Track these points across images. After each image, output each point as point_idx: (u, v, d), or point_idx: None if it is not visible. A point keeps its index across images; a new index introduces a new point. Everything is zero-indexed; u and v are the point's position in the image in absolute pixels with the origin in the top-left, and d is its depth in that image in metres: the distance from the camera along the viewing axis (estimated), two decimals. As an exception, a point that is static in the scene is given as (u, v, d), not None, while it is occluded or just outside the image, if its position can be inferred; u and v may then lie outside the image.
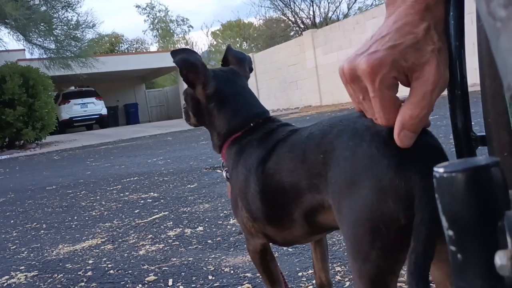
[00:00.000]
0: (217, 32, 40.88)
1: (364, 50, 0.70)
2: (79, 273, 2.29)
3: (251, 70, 1.43)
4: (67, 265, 2.44)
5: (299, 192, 0.98)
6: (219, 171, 5.12)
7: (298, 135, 1.03)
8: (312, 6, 25.69)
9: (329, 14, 26.08)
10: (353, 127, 0.86)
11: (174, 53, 1.34)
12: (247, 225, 1.19)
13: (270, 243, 1.25)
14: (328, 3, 26.61)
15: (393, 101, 0.70)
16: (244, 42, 35.94)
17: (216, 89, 1.29)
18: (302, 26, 25.58)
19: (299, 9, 26.11)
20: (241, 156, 1.18)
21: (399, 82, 0.71)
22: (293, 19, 26.85)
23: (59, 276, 2.28)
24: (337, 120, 0.93)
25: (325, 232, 1.17)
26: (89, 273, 2.26)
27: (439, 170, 0.49)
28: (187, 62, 1.30)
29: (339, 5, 27.83)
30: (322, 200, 0.92)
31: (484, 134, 0.85)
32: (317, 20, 25.63)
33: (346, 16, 24.88)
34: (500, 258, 0.44)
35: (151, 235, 2.82)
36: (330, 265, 1.52)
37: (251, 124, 1.23)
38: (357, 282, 0.83)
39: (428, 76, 0.67)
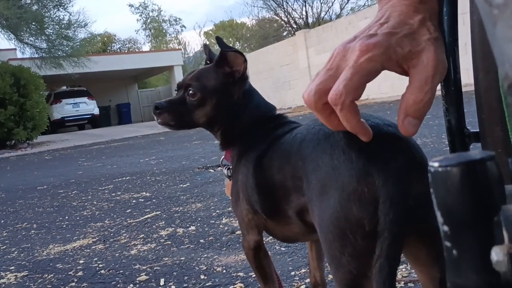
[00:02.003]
0: (210, 32, 40.85)
1: (362, 33, 0.68)
2: (69, 273, 2.27)
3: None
4: (57, 265, 2.42)
5: (287, 191, 0.99)
6: (211, 170, 5.11)
7: (289, 135, 1.04)
8: (305, 6, 25.75)
9: (322, 14, 26.15)
10: (316, 137, 0.88)
11: (223, 41, 1.30)
12: (246, 218, 1.18)
13: (267, 240, 1.24)
14: (321, 3, 26.69)
15: (361, 84, 0.65)
16: (237, 42, 35.93)
17: (249, 85, 1.29)
18: (295, 26, 25.61)
19: (292, 9, 26.17)
20: (246, 149, 1.19)
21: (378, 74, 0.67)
22: (286, 19, 26.88)
23: (49, 276, 2.25)
24: (311, 125, 0.94)
25: None
26: (80, 273, 2.24)
27: (434, 164, 0.47)
28: (243, 55, 1.26)
29: (332, 5, 27.94)
30: (305, 202, 0.92)
31: (478, 131, 0.85)
32: (310, 20, 25.69)
33: (338, 16, 24.95)
34: (496, 254, 0.43)
35: (143, 235, 2.80)
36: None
37: (263, 119, 1.24)
38: (336, 285, 0.84)
39: (427, 62, 0.65)
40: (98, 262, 2.37)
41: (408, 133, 0.67)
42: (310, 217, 0.94)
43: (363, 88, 0.66)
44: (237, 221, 1.28)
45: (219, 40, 1.30)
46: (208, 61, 1.39)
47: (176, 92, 1.33)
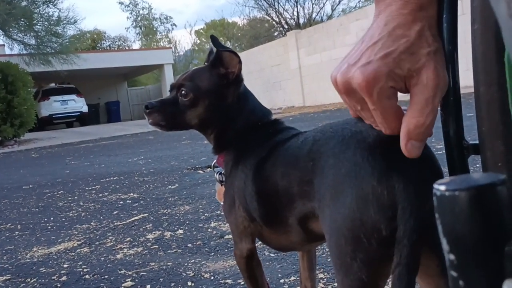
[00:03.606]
0: (201, 31, 40.71)
1: (356, 59, 0.66)
2: (53, 277, 2.21)
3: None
4: (41, 269, 2.36)
5: (291, 198, 0.96)
6: (200, 171, 5.06)
7: (295, 140, 1.01)
8: (296, 6, 25.76)
9: (313, 15, 26.17)
10: (340, 134, 0.84)
11: (218, 40, 1.27)
12: (241, 226, 1.15)
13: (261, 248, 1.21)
14: (312, 4, 26.70)
15: (395, 109, 0.67)
16: (228, 42, 35.84)
17: (244, 88, 1.26)
18: (286, 27, 25.61)
19: (283, 9, 26.15)
20: (243, 154, 1.15)
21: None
22: (277, 20, 26.88)
23: (32, 281, 2.20)
24: (328, 127, 0.91)
25: (323, 240, 1.13)
26: (64, 278, 2.18)
27: (440, 187, 0.44)
28: (238, 56, 1.23)
29: (323, 6, 27.98)
30: (313, 207, 0.90)
31: (477, 143, 0.82)
32: (301, 21, 25.69)
33: (329, 17, 24.98)
34: (508, 288, 0.40)
35: (129, 238, 2.75)
36: (313, 273, 1.48)
37: (259, 124, 1.21)
38: None
39: (427, 81, 0.63)
40: (83, 267, 2.32)
41: (412, 156, 0.67)
42: (316, 224, 0.91)
43: (396, 108, 0.68)
44: (229, 228, 1.24)
45: (214, 39, 1.26)
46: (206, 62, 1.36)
47: (169, 92, 1.29)
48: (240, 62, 1.22)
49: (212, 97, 1.22)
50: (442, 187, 0.44)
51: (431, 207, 0.73)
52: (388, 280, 0.79)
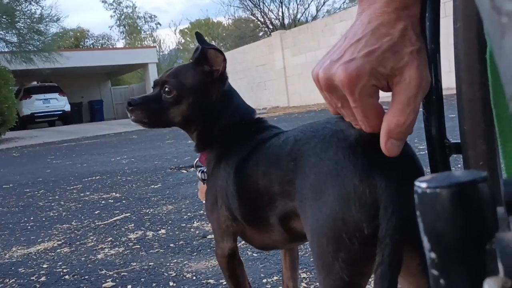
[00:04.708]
0: (186, 30, 40.53)
1: (339, 56, 0.65)
2: (32, 278, 2.17)
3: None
4: (19, 269, 2.31)
5: (272, 197, 0.95)
6: (184, 171, 5.03)
7: (276, 139, 1.00)
8: (281, 7, 25.80)
9: (298, 16, 26.24)
10: (321, 133, 0.84)
11: (202, 37, 1.25)
12: (224, 225, 1.14)
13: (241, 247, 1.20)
14: (297, 5, 26.78)
15: (376, 108, 0.66)
16: (213, 41, 35.75)
17: (229, 86, 1.25)
18: (271, 27, 25.62)
19: (268, 9, 26.16)
20: (226, 153, 1.14)
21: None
22: (262, 20, 26.88)
23: (10, 281, 2.15)
24: (308, 126, 0.91)
25: (305, 239, 1.13)
26: (43, 278, 2.14)
27: (421, 185, 0.43)
28: (223, 53, 1.22)
29: (308, 7, 28.03)
30: (294, 207, 0.89)
31: (458, 142, 0.82)
32: (286, 21, 25.73)
33: (314, 18, 25.07)
34: (489, 287, 0.39)
35: (111, 238, 2.71)
36: (295, 273, 1.47)
37: (242, 123, 1.19)
38: None
39: (409, 80, 0.62)
40: (63, 267, 2.28)
41: (391, 154, 0.66)
42: (297, 223, 0.90)
43: (378, 106, 0.67)
44: (211, 227, 1.23)
45: (198, 36, 1.24)
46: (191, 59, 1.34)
47: (153, 89, 1.27)
48: (224, 59, 1.21)
49: (196, 94, 1.21)
50: (423, 185, 0.43)
51: (413, 205, 0.74)
52: (370, 280, 0.79)
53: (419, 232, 0.76)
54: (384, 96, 0.70)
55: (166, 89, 1.21)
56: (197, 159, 1.29)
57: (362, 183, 0.73)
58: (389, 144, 0.65)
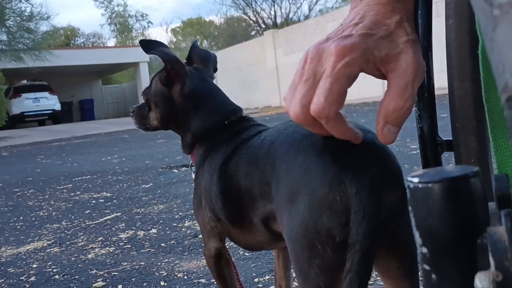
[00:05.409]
0: (177, 29, 40.41)
1: (335, 34, 0.64)
2: (21, 278, 2.15)
3: (215, 70, 1.36)
4: (9, 269, 2.29)
5: (253, 198, 0.95)
6: (175, 170, 5.01)
7: (257, 139, 1.00)
8: (274, 6, 25.85)
9: (290, 15, 26.28)
10: (291, 138, 0.84)
11: (148, 43, 1.27)
12: (208, 226, 1.14)
13: (230, 248, 1.20)
14: (290, 4, 26.84)
15: (342, 92, 0.62)
16: (205, 40, 35.66)
17: (194, 87, 1.23)
18: (263, 26, 25.64)
19: (261, 8, 26.20)
20: (209, 154, 1.14)
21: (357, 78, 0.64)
22: (254, 19, 26.91)
23: (-1, 282, 2.13)
24: (283, 126, 0.91)
25: None
26: (33, 278, 2.12)
27: (413, 180, 0.43)
28: (171, 56, 1.23)
29: (300, 6, 28.10)
30: (273, 209, 0.89)
31: (450, 139, 0.82)
32: (278, 20, 25.78)
33: (307, 17, 25.13)
34: (481, 281, 0.39)
35: (101, 238, 2.69)
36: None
37: (225, 122, 1.19)
38: None
39: (406, 66, 0.61)
40: (53, 267, 2.26)
41: (387, 141, 0.63)
42: (278, 225, 0.89)
43: (345, 95, 0.62)
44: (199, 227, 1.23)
45: (141, 43, 1.28)
46: (186, 60, 1.34)
47: None
48: (176, 61, 1.22)
49: (158, 99, 1.27)
50: (415, 179, 0.43)
51: (389, 209, 0.73)
52: (370, 281, 0.79)
53: (396, 236, 0.76)
54: (350, 100, 0.69)
55: (143, 95, 1.31)
56: (191, 161, 1.29)
57: (332, 191, 0.72)
58: (386, 129, 0.63)
